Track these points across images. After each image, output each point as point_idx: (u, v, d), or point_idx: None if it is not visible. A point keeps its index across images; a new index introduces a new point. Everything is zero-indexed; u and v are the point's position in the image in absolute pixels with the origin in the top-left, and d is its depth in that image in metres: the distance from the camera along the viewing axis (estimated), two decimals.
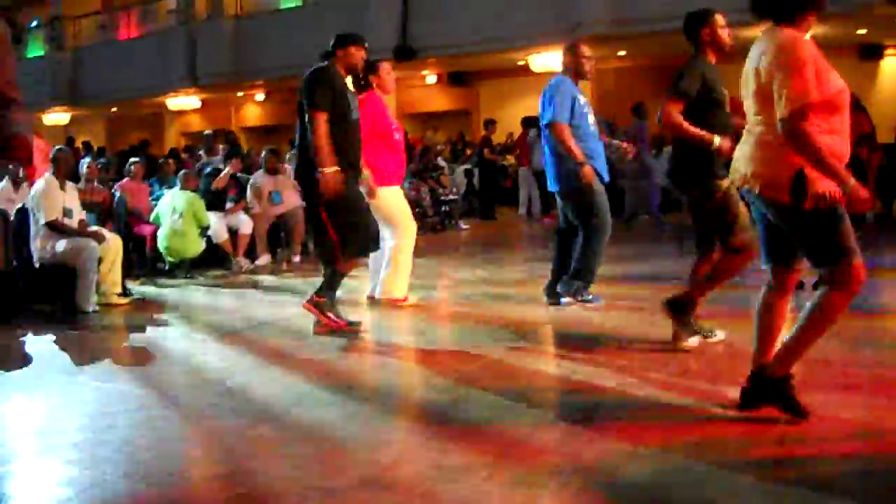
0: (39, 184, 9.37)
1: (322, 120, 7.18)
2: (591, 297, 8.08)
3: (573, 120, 7.91)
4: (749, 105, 4.68)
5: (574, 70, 8.17)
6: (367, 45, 7.65)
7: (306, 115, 7.26)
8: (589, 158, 7.85)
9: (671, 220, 16.11)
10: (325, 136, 7.18)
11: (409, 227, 8.63)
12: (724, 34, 6.42)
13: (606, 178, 8.06)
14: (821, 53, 4.43)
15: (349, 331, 7.39)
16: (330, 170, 7.15)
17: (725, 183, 6.08)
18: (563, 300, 8.19)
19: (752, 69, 4.57)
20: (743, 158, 4.70)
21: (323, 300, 7.44)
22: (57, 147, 10.12)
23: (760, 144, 4.60)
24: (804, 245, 4.55)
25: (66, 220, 9.39)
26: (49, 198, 9.28)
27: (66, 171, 9.64)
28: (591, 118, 8.15)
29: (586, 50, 8.21)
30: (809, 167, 4.31)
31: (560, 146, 7.91)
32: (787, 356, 4.61)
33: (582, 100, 8.08)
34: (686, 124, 6.13)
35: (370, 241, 7.52)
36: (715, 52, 6.44)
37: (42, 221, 9.23)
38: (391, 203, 8.47)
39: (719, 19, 6.42)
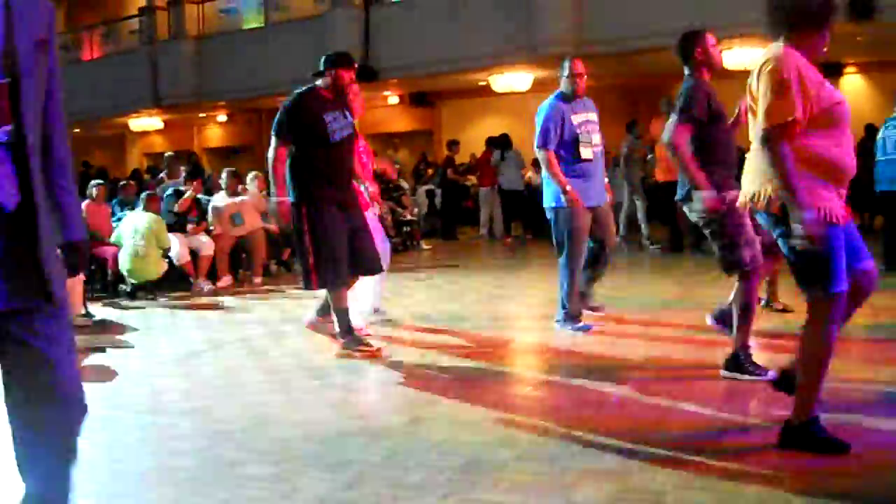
0: None
1: (278, 147, 7.40)
2: (580, 324, 8.08)
3: (564, 139, 7.98)
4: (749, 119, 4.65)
5: (563, 88, 8.21)
6: (355, 65, 7.68)
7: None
8: (574, 179, 7.95)
9: (634, 240, 16.17)
10: (278, 165, 7.41)
11: None
12: (716, 52, 6.47)
13: (595, 201, 8.07)
14: (814, 68, 4.45)
15: (375, 355, 7.35)
16: (276, 199, 7.46)
17: (729, 196, 5.95)
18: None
19: (749, 84, 4.57)
20: (745, 174, 4.68)
21: (347, 339, 7.50)
22: None
23: (751, 159, 4.61)
24: (793, 261, 4.47)
25: None
26: None
27: None
28: (593, 137, 8.13)
29: (578, 66, 8.13)
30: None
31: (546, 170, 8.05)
32: (801, 401, 4.52)
33: (578, 118, 8.06)
34: (691, 159, 6.10)
35: (342, 274, 7.40)
36: (709, 70, 6.46)
37: None
38: None
39: (710, 38, 6.46)
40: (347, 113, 7.60)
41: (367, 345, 7.44)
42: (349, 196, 7.58)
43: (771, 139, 4.32)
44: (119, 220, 12.48)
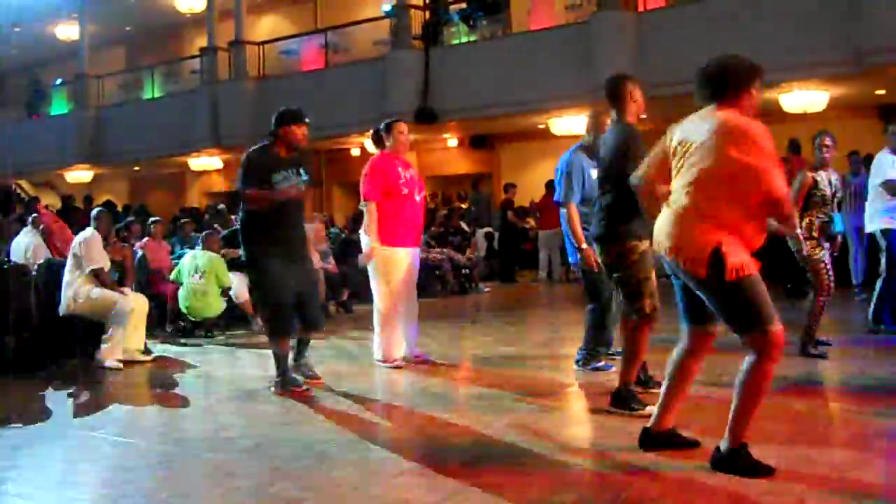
0: (87, 233, 9.75)
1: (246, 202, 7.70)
2: (601, 364, 8.08)
3: (584, 193, 7.92)
4: (678, 175, 4.90)
5: (587, 142, 8.19)
6: (308, 121, 7.98)
7: None
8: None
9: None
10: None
11: (387, 293, 8.61)
12: (638, 99, 6.69)
13: None
14: None
15: (306, 396, 7.51)
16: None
17: (643, 245, 6.25)
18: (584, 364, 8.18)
19: (697, 142, 4.79)
20: (664, 229, 4.92)
21: (279, 379, 7.74)
22: (98, 208, 10.71)
23: (680, 218, 4.83)
24: (724, 314, 4.79)
25: None
26: (97, 247, 9.66)
27: (105, 229, 9.90)
28: None
29: (607, 120, 8.11)
30: (726, 243, 4.62)
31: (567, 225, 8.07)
32: (735, 429, 4.78)
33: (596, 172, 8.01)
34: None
35: (285, 324, 7.72)
36: (632, 117, 6.66)
37: (88, 269, 9.53)
38: (376, 265, 8.61)
39: (635, 90, 6.68)
40: (302, 170, 7.88)
41: (297, 385, 7.65)
42: (297, 251, 7.73)
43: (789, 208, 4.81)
44: (179, 257, 12.55)
